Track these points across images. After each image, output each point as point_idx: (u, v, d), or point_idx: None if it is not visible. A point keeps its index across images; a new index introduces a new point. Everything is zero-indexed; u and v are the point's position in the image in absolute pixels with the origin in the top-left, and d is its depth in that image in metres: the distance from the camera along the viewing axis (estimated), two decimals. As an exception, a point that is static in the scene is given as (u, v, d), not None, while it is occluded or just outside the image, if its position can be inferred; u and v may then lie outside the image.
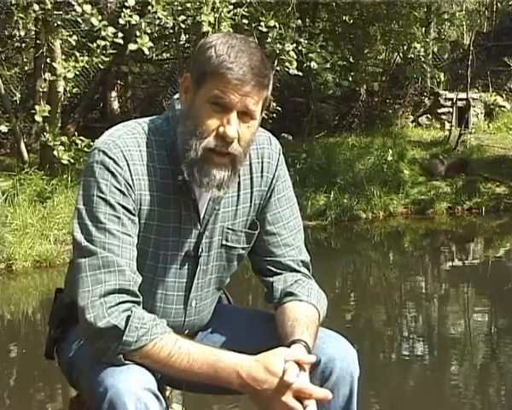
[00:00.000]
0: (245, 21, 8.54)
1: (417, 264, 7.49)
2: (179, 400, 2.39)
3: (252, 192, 1.85)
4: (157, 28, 12.12)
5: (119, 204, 1.66)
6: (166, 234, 1.75)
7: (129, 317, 1.59)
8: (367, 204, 9.32)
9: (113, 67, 10.23)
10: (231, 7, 8.19)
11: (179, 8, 8.19)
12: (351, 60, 9.81)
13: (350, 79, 10.35)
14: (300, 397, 1.59)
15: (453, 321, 5.24)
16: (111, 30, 7.30)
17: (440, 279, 6.79)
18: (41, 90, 8.33)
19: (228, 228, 1.83)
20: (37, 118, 7.53)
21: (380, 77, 13.39)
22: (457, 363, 4.33)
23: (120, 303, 1.60)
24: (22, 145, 8.54)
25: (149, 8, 7.69)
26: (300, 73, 8.76)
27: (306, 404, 1.59)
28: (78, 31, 8.96)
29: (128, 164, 1.68)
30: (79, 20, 7.66)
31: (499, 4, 15.80)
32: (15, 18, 7.63)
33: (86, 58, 7.44)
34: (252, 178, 1.84)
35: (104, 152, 1.68)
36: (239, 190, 1.83)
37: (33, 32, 9.11)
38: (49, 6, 7.51)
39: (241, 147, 1.68)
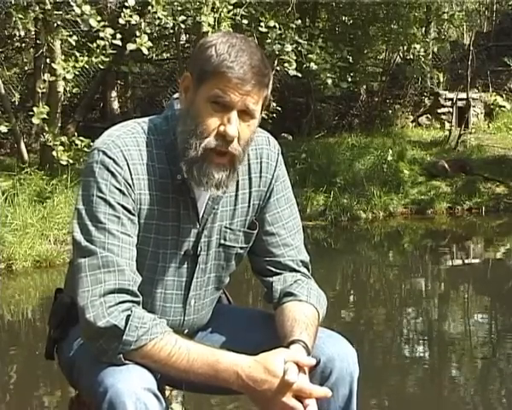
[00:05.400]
0: (245, 22, 8.55)
1: (417, 264, 7.49)
2: (179, 400, 2.39)
3: (250, 192, 1.85)
4: (157, 28, 12.12)
5: (119, 204, 1.66)
6: (165, 233, 1.75)
7: (129, 316, 1.59)
8: (367, 204, 9.33)
9: (113, 67, 10.23)
10: (231, 7, 8.20)
11: (179, 8, 8.20)
12: (350, 60, 9.81)
13: (349, 79, 10.35)
14: (300, 397, 1.59)
15: (453, 321, 5.24)
16: (109, 31, 7.31)
17: (440, 279, 6.79)
18: (40, 90, 8.34)
19: (226, 227, 1.83)
20: (35, 120, 7.53)
21: (380, 77, 13.40)
22: (457, 363, 4.33)
23: (120, 303, 1.60)
24: (22, 145, 8.55)
25: (149, 8, 7.69)
26: (299, 74, 8.76)
27: (307, 403, 1.59)
28: (77, 31, 8.97)
29: (128, 164, 1.68)
30: (79, 20, 7.66)
31: (499, 5, 15.82)
32: (14, 18, 7.63)
33: (86, 58, 7.44)
34: (250, 179, 1.84)
35: (104, 152, 1.68)
36: (237, 189, 1.82)
37: (33, 32, 9.12)
38: (49, 6, 7.52)
39: (241, 146, 1.69)
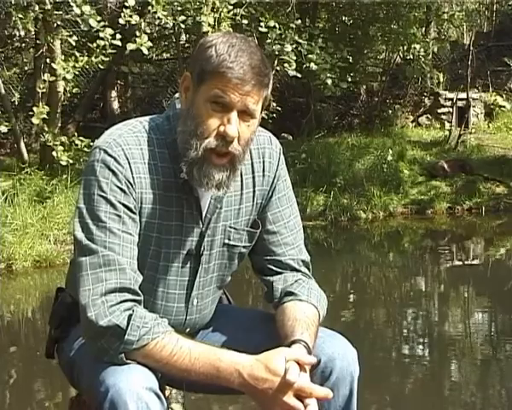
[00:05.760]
0: (245, 22, 8.55)
1: (417, 264, 7.49)
2: (179, 400, 2.39)
3: (254, 191, 1.85)
4: (157, 28, 12.13)
5: (120, 203, 1.66)
6: (168, 232, 1.75)
7: (130, 316, 1.59)
8: (367, 204, 9.33)
9: (113, 67, 10.23)
10: (231, 7, 8.20)
11: (179, 8, 8.20)
12: (350, 60, 9.81)
13: (349, 79, 10.36)
14: (301, 396, 1.59)
15: (453, 321, 5.24)
16: (109, 31, 7.32)
17: (440, 279, 6.79)
18: (40, 90, 8.34)
19: (230, 227, 1.83)
20: (35, 120, 7.54)
21: (380, 77, 13.40)
22: (457, 363, 4.33)
23: (122, 302, 1.60)
24: (22, 145, 8.55)
25: (149, 8, 7.70)
26: (299, 75, 8.76)
27: (307, 403, 1.59)
28: (77, 31, 8.97)
29: (129, 162, 1.68)
30: (79, 20, 7.67)
31: (499, 5, 15.82)
32: (14, 18, 7.64)
33: (86, 58, 7.45)
34: (254, 178, 1.85)
35: (105, 151, 1.68)
36: (242, 189, 1.83)
37: (33, 32, 9.12)
38: (49, 6, 7.52)
39: (241, 146, 1.69)
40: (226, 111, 1.65)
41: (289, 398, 1.58)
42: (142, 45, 7.49)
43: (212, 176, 1.67)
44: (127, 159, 1.68)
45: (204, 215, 1.78)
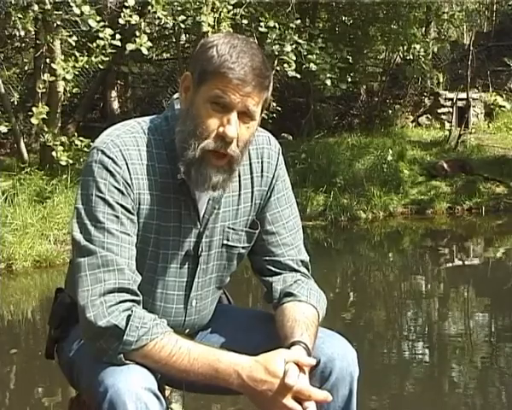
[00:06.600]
0: (245, 22, 8.55)
1: (417, 264, 7.49)
2: (179, 400, 2.39)
3: (252, 192, 1.85)
4: (157, 28, 12.13)
5: (118, 203, 1.66)
6: (167, 233, 1.74)
7: (129, 316, 1.59)
8: (367, 204, 9.33)
9: (113, 67, 10.23)
10: (231, 7, 8.20)
11: (179, 8, 8.20)
12: (350, 61, 9.81)
13: (349, 79, 10.35)
14: (300, 399, 1.59)
15: (453, 321, 5.24)
16: (109, 31, 7.32)
17: (440, 279, 6.79)
18: (40, 90, 8.34)
19: (229, 227, 1.82)
20: (34, 120, 7.53)
21: (380, 77, 13.40)
22: (457, 363, 4.33)
23: (120, 302, 1.60)
24: (22, 145, 8.55)
25: (149, 8, 7.70)
26: (298, 76, 8.76)
27: (306, 406, 1.59)
28: (77, 31, 8.97)
29: (127, 163, 1.68)
30: (78, 20, 7.68)
31: (499, 5, 15.82)
32: (13, 18, 7.64)
33: (86, 58, 7.45)
34: (252, 178, 1.84)
35: (103, 151, 1.68)
36: (240, 189, 1.83)
37: (33, 32, 9.13)
38: (49, 6, 7.52)
39: (239, 148, 1.68)
40: (226, 112, 1.64)
41: (288, 400, 1.58)
42: (141, 45, 7.50)
43: (209, 177, 1.67)
44: (125, 160, 1.68)
45: (202, 216, 1.78)
